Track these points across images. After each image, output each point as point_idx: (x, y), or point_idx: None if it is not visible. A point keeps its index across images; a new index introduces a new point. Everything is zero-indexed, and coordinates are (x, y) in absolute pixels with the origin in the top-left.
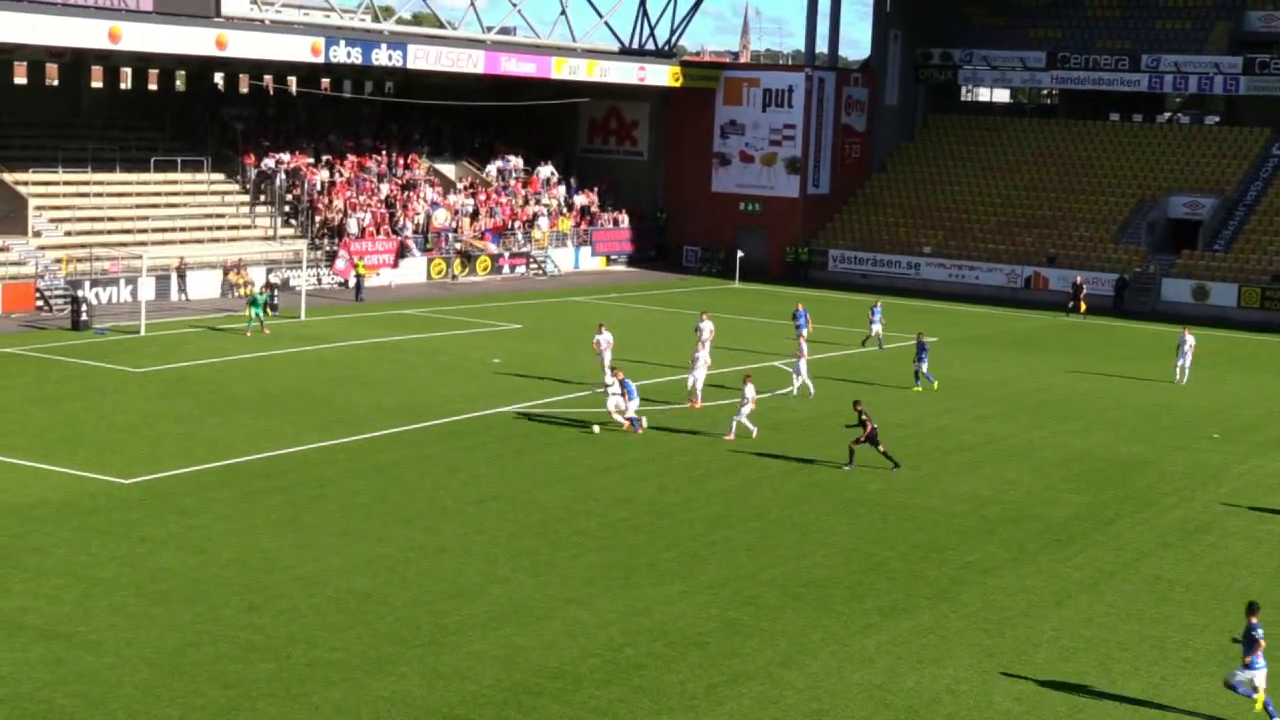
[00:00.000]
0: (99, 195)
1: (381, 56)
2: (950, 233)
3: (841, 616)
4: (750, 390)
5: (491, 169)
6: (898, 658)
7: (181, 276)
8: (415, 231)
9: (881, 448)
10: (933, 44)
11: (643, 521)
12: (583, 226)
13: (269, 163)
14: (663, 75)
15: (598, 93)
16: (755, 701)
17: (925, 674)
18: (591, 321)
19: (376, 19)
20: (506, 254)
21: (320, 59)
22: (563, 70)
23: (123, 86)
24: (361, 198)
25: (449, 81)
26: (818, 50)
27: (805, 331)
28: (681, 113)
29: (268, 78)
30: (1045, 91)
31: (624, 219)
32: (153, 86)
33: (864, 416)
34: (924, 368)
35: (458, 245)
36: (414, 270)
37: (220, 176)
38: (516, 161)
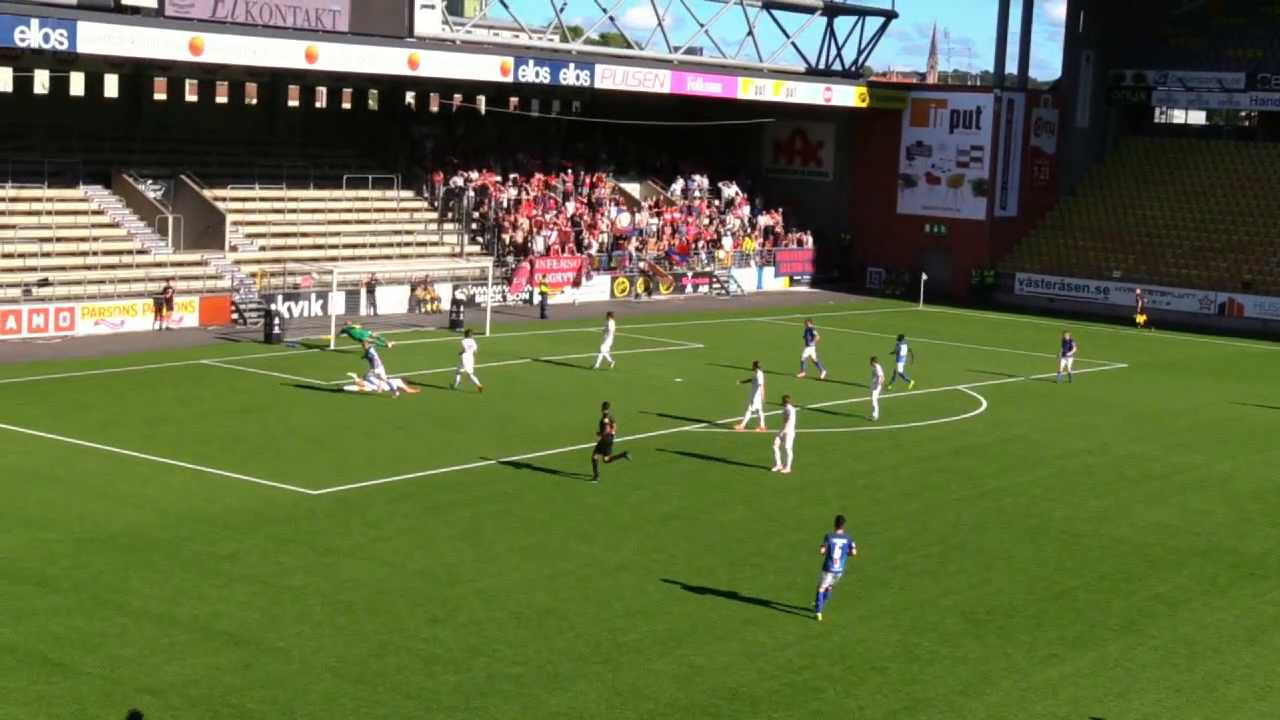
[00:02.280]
0: (293, 211)
1: (569, 76)
2: (1141, 257)
3: (1024, 646)
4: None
5: (676, 188)
6: (1082, 689)
7: (371, 292)
8: (599, 250)
9: (608, 457)
10: (1126, 65)
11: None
12: (766, 247)
13: (457, 180)
14: (849, 96)
15: (783, 113)
16: None
17: (1111, 708)
18: (774, 341)
19: (565, 39)
20: (690, 273)
21: (509, 78)
22: (749, 90)
23: (318, 105)
24: (547, 216)
25: (635, 101)
26: (1007, 71)
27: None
28: (867, 134)
29: (457, 96)
30: (1243, 114)
31: (808, 240)
32: (346, 105)
33: (606, 421)
34: (901, 367)
35: (641, 265)
36: (598, 288)
37: (410, 194)
38: (701, 181)
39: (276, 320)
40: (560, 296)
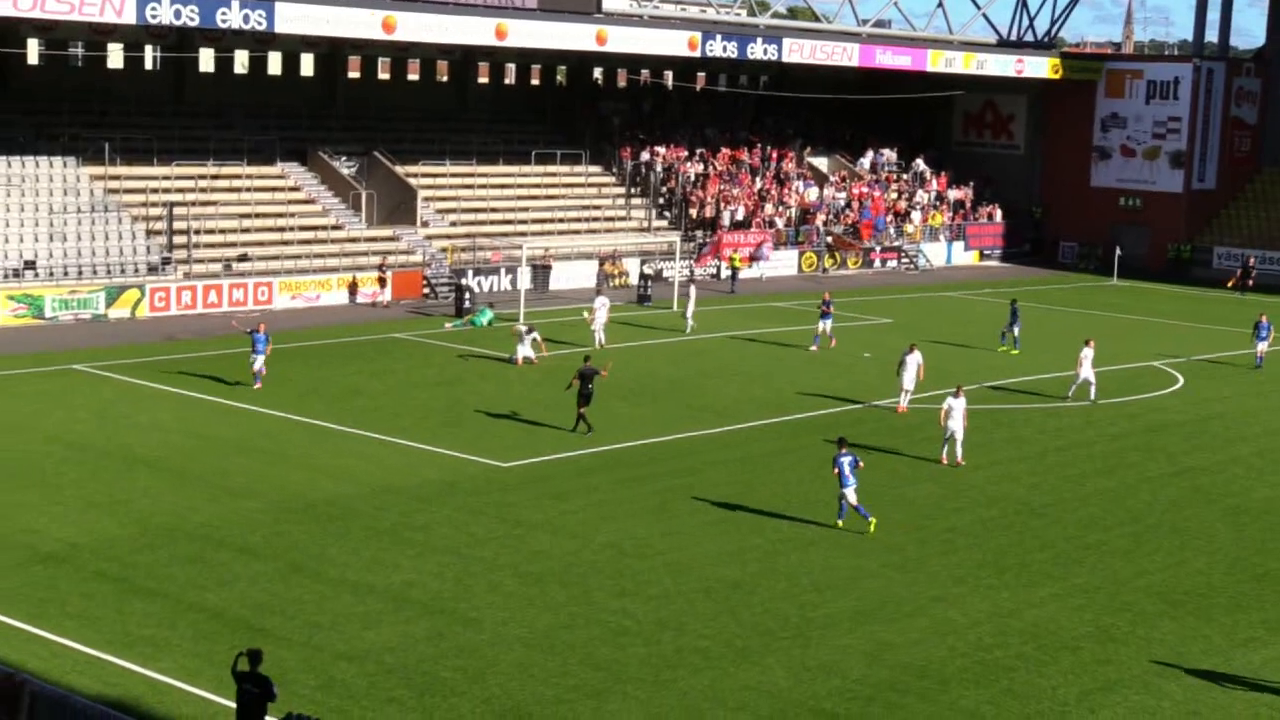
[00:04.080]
0: (483, 187)
1: (757, 50)
2: None
3: (1224, 628)
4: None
5: (864, 162)
6: None
7: (545, 269)
8: (787, 224)
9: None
10: None
11: (1013, 521)
12: (956, 221)
13: (645, 156)
14: (1041, 67)
15: (974, 85)
16: (1130, 710)
17: None
18: (964, 317)
19: (752, 13)
20: (878, 248)
21: (696, 53)
22: (939, 63)
23: (507, 82)
24: (734, 190)
25: (823, 74)
26: (1206, 40)
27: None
28: (1060, 106)
29: (645, 72)
30: None
31: (998, 214)
32: (535, 81)
33: (581, 377)
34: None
35: (828, 239)
36: (785, 263)
37: (597, 169)
38: (890, 155)
39: (467, 294)
40: (748, 271)
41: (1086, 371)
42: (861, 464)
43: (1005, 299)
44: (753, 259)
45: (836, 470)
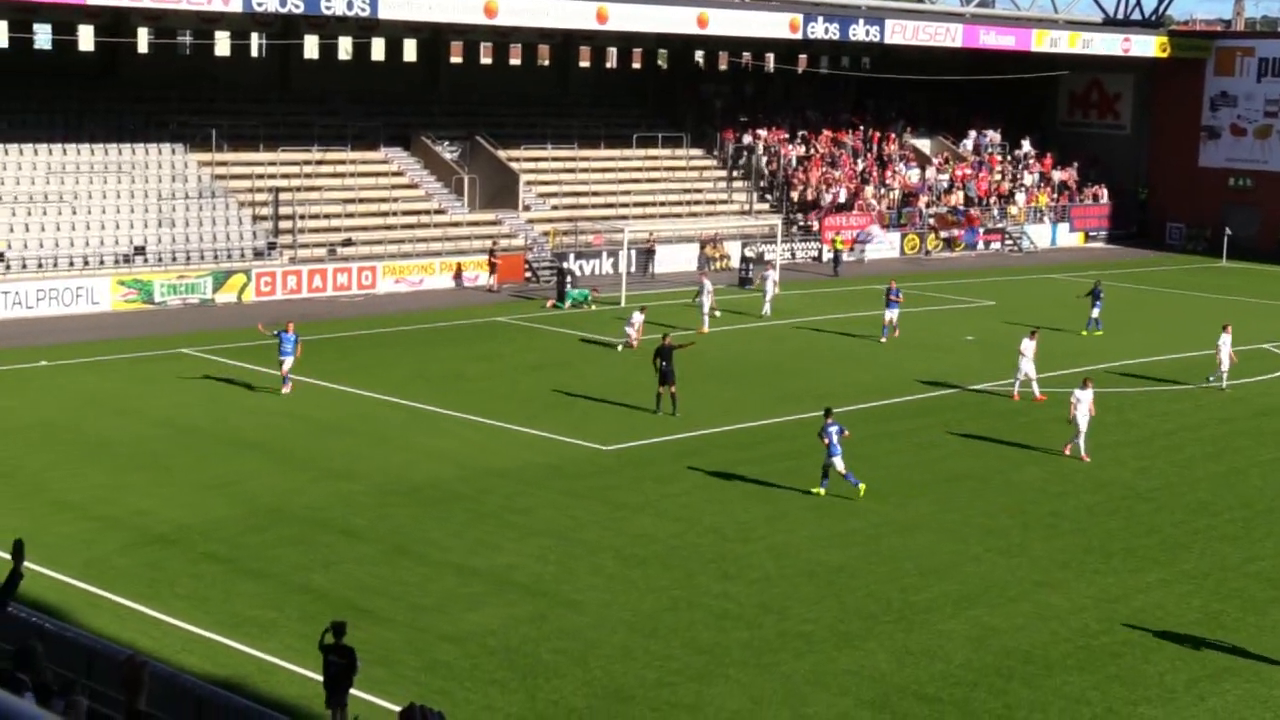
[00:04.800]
0: (584, 171)
1: (859, 32)
2: None
3: None
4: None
5: (967, 143)
6: None
7: (649, 252)
8: (889, 207)
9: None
10: None
11: (1120, 506)
12: (1061, 202)
13: (746, 139)
14: (1149, 46)
15: (1079, 65)
16: (1240, 699)
17: None
18: (1066, 298)
19: None
20: (981, 229)
21: (798, 35)
22: (1043, 42)
23: (608, 65)
24: (836, 173)
25: (926, 56)
26: None
27: None
28: (1168, 85)
29: (746, 54)
30: None
31: (1104, 195)
32: (636, 65)
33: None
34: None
35: (931, 220)
36: (888, 245)
37: (698, 152)
38: (994, 136)
39: (569, 278)
40: (850, 254)
41: (1226, 355)
42: (848, 433)
43: (1110, 281)
44: (860, 241)
45: (826, 440)
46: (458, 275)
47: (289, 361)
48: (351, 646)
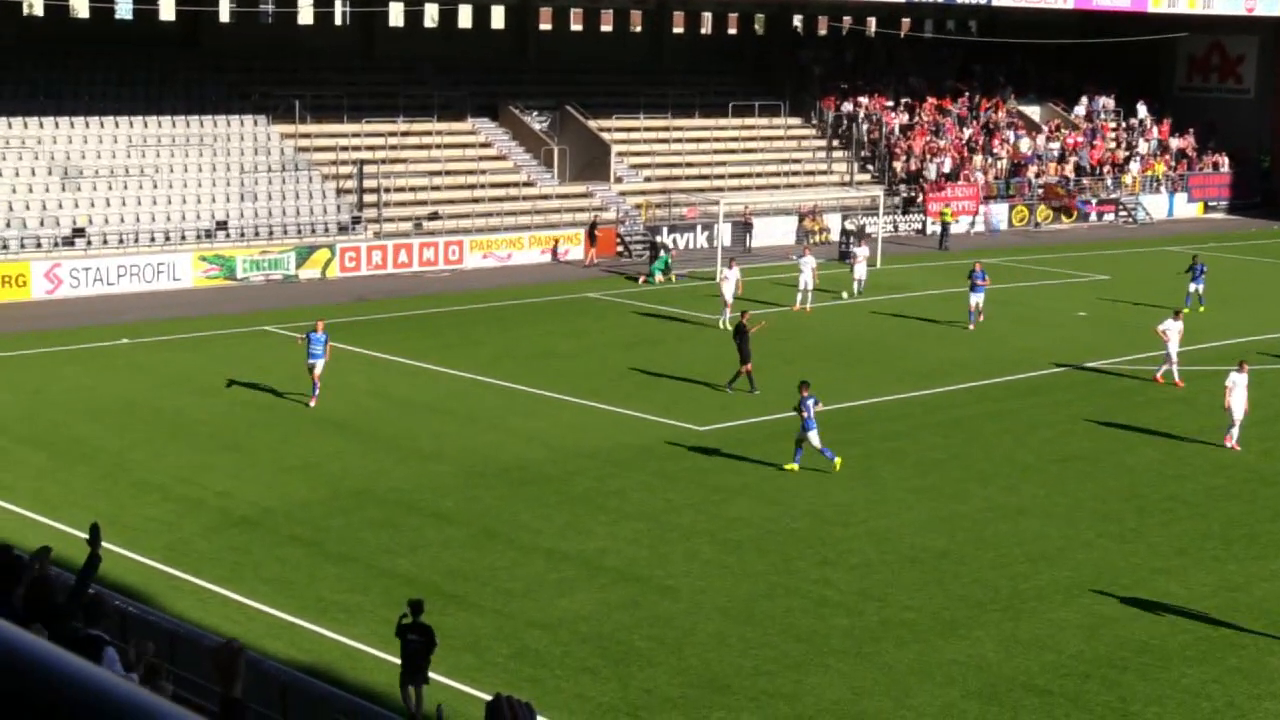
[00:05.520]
0: (678, 141)
1: None
2: None
3: None
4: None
5: (1079, 110)
6: None
7: (746, 225)
8: (997, 177)
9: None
10: None
11: (1242, 490)
12: (1178, 171)
13: (847, 107)
14: (1275, 4)
15: (1199, 26)
16: None
17: None
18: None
19: None
20: (1094, 200)
21: None
22: (1160, 3)
23: (703, 32)
24: (941, 142)
25: (1035, 18)
26: None
27: None
28: None
29: (847, 19)
30: None
31: (1224, 163)
32: (732, 31)
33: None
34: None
35: (1041, 191)
36: (996, 217)
37: (797, 121)
38: (1107, 102)
39: (662, 251)
40: (957, 225)
41: None
42: (820, 404)
43: (1229, 254)
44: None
45: (805, 414)
46: (554, 251)
47: (320, 365)
48: (429, 625)
